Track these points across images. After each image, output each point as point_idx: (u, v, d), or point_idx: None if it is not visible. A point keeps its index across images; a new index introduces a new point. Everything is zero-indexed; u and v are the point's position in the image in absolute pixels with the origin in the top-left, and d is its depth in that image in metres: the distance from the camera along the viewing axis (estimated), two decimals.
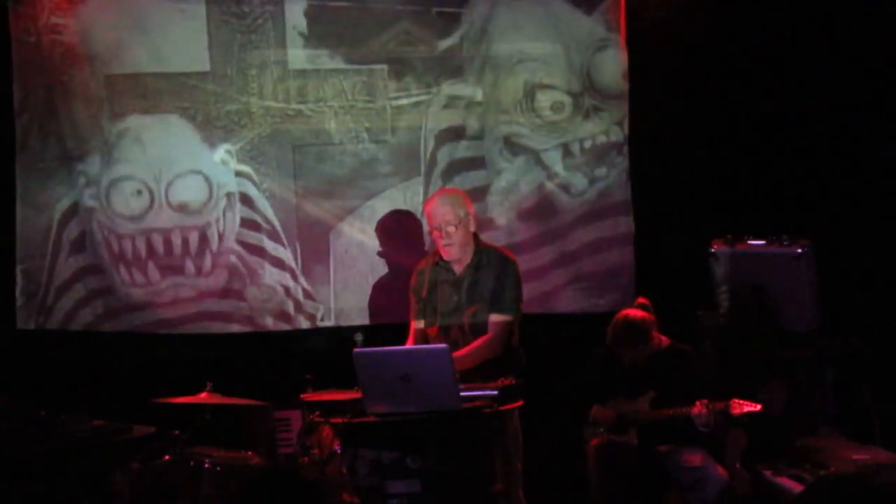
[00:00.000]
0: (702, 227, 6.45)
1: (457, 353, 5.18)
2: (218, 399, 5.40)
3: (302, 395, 5.25)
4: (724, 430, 5.78)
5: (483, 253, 5.48)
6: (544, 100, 6.80)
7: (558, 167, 6.83)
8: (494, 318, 5.39)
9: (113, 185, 6.56)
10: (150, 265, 6.58)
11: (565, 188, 6.85)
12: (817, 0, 6.62)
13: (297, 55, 6.64)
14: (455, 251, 5.42)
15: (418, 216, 6.64)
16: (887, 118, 6.51)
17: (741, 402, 5.54)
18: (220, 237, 6.61)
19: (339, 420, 4.87)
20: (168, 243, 6.58)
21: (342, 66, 6.66)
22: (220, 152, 6.62)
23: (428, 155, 6.75)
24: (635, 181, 6.85)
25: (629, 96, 6.82)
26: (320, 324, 6.69)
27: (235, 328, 6.65)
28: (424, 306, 5.52)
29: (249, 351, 6.63)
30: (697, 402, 5.56)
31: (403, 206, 6.72)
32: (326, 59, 6.65)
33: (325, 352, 6.11)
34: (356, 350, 4.81)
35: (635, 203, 6.85)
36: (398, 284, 6.24)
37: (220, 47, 6.61)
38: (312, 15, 6.64)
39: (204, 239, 6.60)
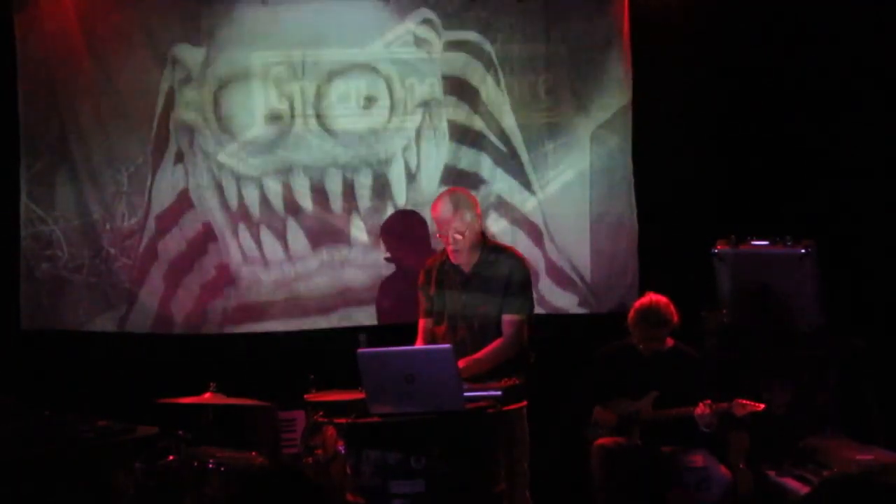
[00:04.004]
0: (705, 227, 6.45)
1: (474, 357, 5.19)
2: (222, 399, 5.41)
3: (306, 396, 5.25)
4: (727, 431, 5.78)
5: (491, 252, 5.43)
6: (545, 99, 6.80)
7: (559, 169, 6.83)
8: (507, 318, 5.34)
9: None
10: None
11: (566, 189, 6.85)
12: (818, 1, 6.62)
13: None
14: (463, 253, 5.38)
15: (422, 216, 6.64)
16: (889, 118, 6.51)
17: (744, 402, 5.53)
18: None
19: (343, 420, 4.86)
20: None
21: (346, 67, 6.66)
22: (227, 156, 6.65)
23: (423, 159, 6.76)
24: (638, 181, 6.84)
25: (632, 97, 6.81)
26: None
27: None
28: (432, 305, 5.50)
29: (253, 351, 6.63)
30: (700, 403, 5.56)
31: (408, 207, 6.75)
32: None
33: (329, 352, 6.11)
34: (360, 350, 4.80)
35: (638, 203, 6.85)
36: (403, 285, 6.23)
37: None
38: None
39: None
